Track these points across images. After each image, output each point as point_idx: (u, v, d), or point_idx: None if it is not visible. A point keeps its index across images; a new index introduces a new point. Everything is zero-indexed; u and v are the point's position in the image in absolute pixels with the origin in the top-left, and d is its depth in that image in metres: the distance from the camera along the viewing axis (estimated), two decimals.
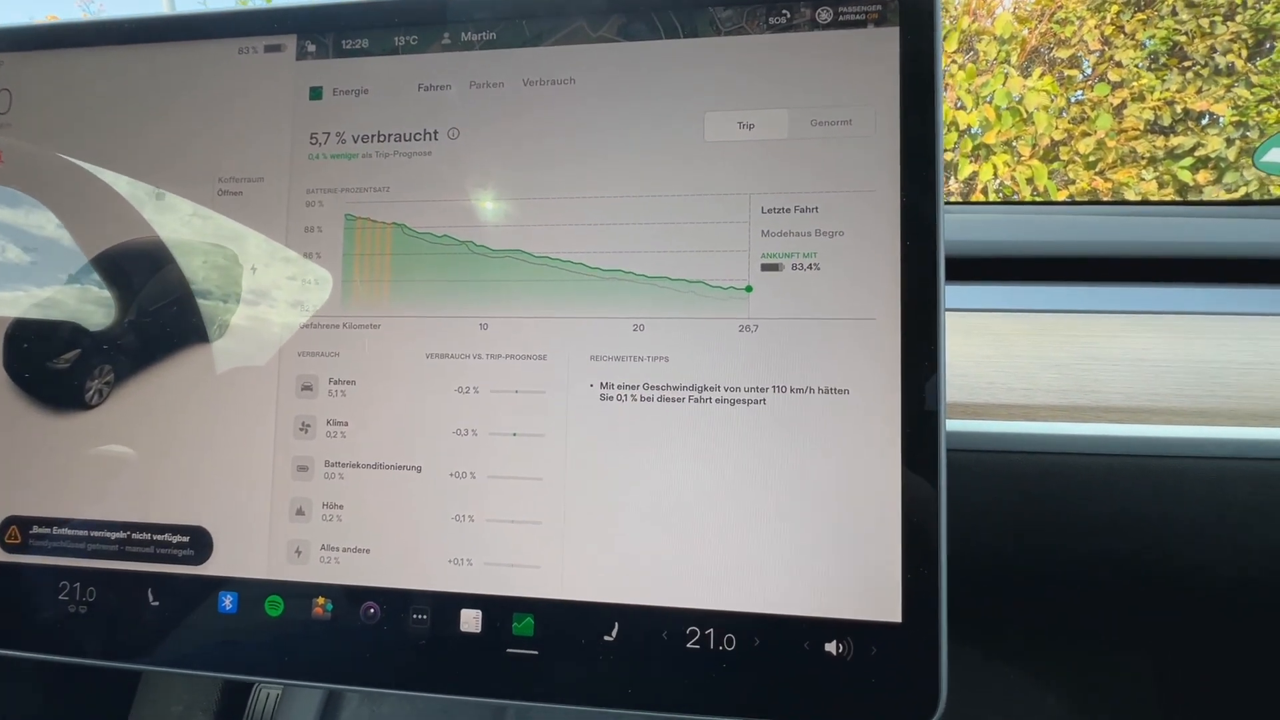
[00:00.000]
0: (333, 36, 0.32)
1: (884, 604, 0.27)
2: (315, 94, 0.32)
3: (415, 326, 0.31)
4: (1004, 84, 2.66)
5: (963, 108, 2.72)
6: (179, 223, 0.33)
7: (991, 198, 2.74)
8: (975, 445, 0.39)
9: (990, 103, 2.66)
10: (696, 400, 0.29)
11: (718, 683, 0.28)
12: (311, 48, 0.32)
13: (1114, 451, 0.37)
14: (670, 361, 0.29)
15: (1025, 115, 2.65)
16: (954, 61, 2.79)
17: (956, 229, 0.47)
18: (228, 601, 0.31)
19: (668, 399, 0.29)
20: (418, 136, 0.31)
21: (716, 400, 0.29)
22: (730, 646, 0.28)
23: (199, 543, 0.31)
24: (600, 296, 0.29)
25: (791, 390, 0.28)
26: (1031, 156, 2.70)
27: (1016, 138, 2.70)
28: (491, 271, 0.30)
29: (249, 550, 0.31)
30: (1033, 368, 0.39)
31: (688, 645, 0.28)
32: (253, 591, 0.31)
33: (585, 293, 0.30)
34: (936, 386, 0.27)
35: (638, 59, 0.30)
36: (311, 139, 0.32)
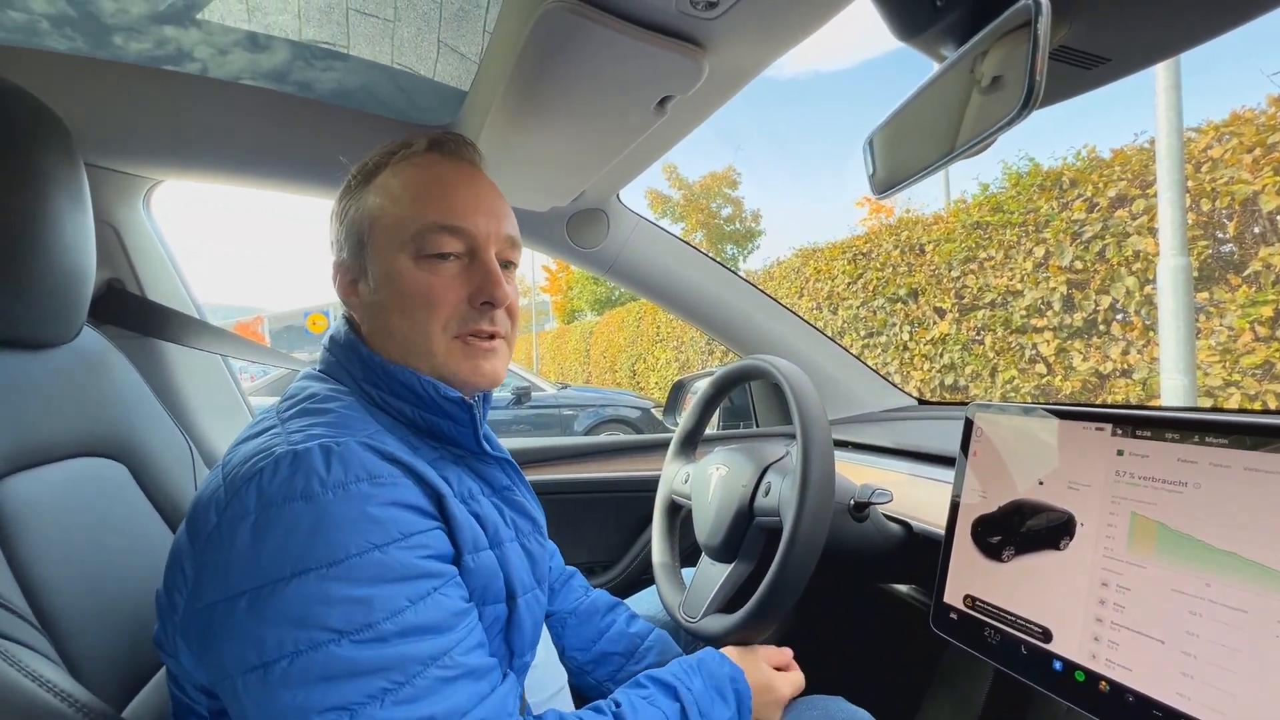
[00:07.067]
0: (1131, 428, 0.72)
1: None
2: (1119, 453, 0.72)
3: (1171, 572, 0.65)
4: None
5: None
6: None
7: None
8: None
9: None
10: None
11: None
12: (1119, 431, 0.73)
13: None
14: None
15: None
16: None
17: None
18: (1058, 664, 0.73)
19: None
20: (1178, 484, 0.66)
21: None
22: None
23: (1046, 635, 0.75)
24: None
25: None
26: None
27: None
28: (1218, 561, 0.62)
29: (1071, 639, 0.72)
30: None
31: None
32: (1071, 663, 0.72)
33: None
34: None
35: None
36: (1116, 474, 0.72)
